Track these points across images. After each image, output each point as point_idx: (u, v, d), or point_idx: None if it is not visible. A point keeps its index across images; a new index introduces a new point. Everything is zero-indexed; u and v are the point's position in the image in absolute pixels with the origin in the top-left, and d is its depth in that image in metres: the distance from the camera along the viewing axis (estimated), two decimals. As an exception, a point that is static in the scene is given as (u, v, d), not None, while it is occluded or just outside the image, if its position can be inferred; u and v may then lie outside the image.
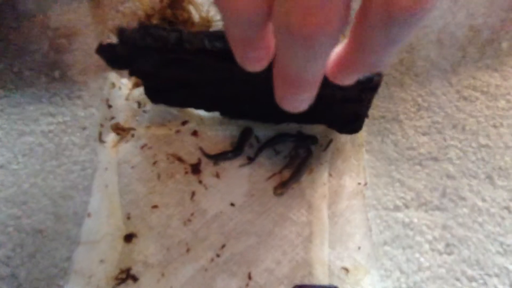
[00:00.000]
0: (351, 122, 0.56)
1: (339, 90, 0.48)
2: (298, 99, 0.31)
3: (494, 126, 0.62)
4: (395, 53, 0.28)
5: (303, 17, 0.24)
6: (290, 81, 0.30)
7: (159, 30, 0.46)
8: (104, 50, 0.47)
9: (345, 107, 0.52)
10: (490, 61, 0.66)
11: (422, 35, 0.67)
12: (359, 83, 0.45)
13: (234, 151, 0.58)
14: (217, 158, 0.58)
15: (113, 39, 0.47)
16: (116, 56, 0.48)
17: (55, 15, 0.64)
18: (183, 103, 0.59)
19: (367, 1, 0.25)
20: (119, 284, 0.51)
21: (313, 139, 0.60)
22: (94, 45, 0.47)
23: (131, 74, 0.54)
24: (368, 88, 0.47)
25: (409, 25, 0.25)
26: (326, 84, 0.47)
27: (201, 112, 0.60)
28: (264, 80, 0.49)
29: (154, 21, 0.49)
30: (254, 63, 0.35)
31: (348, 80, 0.32)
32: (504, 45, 0.67)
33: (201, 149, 0.59)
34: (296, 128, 0.61)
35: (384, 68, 0.31)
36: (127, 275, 0.51)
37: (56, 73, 0.62)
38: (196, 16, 0.54)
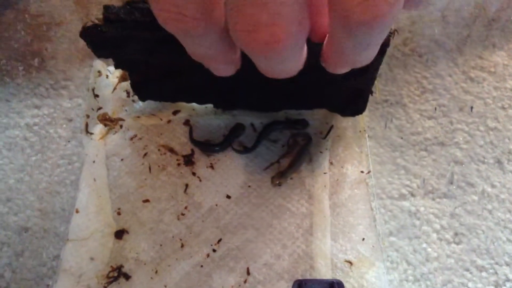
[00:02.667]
0: (354, 101, 0.53)
1: None
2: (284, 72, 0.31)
3: (503, 108, 0.59)
4: (375, 51, 0.28)
5: (248, 34, 0.24)
6: (271, 75, 0.31)
7: (147, 4, 0.43)
8: (89, 33, 0.44)
9: (348, 83, 0.49)
10: (497, 39, 0.63)
11: (425, 13, 0.64)
12: None
13: (221, 145, 0.55)
14: (204, 147, 0.55)
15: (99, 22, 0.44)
16: (102, 39, 0.44)
17: (36, 2, 0.61)
18: (173, 97, 0.56)
19: (329, 14, 0.25)
20: (110, 282, 0.48)
21: (303, 123, 0.57)
22: (78, 32, 0.44)
23: (117, 66, 0.50)
24: None
25: (371, 34, 0.24)
26: None
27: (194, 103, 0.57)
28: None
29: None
30: (224, 71, 0.35)
31: (339, 71, 0.32)
32: (512, 22, 0.64)
33: (190, 132, 0.56)
34: (294, 115, 0.58)
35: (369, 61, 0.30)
36: (118, 273, 0.49)
37: (36, 62, 0.59)
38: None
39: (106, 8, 0.42)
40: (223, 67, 0.33)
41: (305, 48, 0.28)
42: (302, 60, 0.28)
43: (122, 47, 0.46)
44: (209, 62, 0.33)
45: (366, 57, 0.28)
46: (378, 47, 0.27)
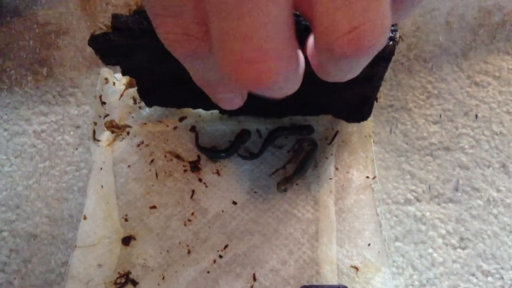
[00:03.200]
0: (359, 108, 0.53)
1: None
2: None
3: (508, 113, 0.59)
4: (360, 70, 0.27)
5: (234, 71, 0.23)
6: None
7: None
8: (97, 41, 0.45)
9: (353, 90, 0.49)
10: (502, 44, 0.63)
11: (429, 18, 0.64)
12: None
13: (227, 151, 0.56)
14: (210, 154, 0.56)
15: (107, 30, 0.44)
16: (110, 47, 0.45)
17: (43, 10, 0.61)
18: (179, 104, 0.56)
19: (314, 43, 0.24)
20: (118, 289, 0.49)
21: (308, 129, 0.57)
22: (86, 39, 0.45)
23: (124, 73, 0.51)
24: (380, 59, 0.43)
25: (355, 64, 0.24)
26: None
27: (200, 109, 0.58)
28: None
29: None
30: (231, 102, 0.34)
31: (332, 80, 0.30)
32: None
33: (196, 138, 0.56)
34: (300, 120, 0.58)
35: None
36: (126, 279, 0.49)
37: (44, 70, 0.60)
38: None
39: (115, 16, 0.43)
40: (230, 96, 0.32)
41: (302, 66, 0.26)
42: (298, 83, 0.27)
43: (130, 55, 0.46)
44: (216, 89, 0.32)
45: (351, 76, 0.27)
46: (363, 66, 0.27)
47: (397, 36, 0.43)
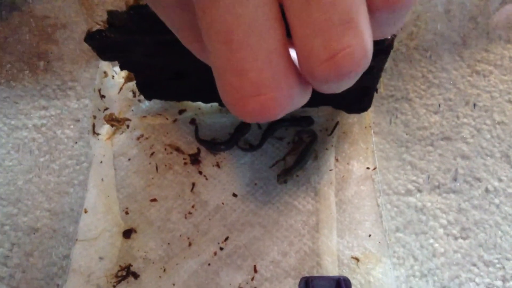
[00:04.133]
0: (360, 99, 0.53)
1: None
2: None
3: (510, 101, 0.58)
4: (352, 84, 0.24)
5: (235, 106, 0.21)
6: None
7: (150, 9, 0.43)
8: (93, 38, 0.44)
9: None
10: (503, 32, 0.62)
11: (429, 7, 0.63)
12: None
13: (226, 143, 0.56)
14: (209, 146, 0.56)
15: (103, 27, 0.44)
16: (107, 43, 0.45)
17: (41, 4, 0.61)
18: (178, 97, 0.56)
19: (299, 66, 0.22)
20: (119, 281, 0.49)
21: (308, 120, 0.57)
22: (84, 33, 0.44)
23: (122, 67, 0.51)
24: (379, 51, 0.43)
25: (338, 86, 0.22)
26: None
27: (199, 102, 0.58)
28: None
29: (143, 1, 0.46)
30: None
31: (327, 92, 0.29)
32: (519, 14, 0.63)
33: (196, 130, 0.56)
34: (299, 112, 0.58)
35: None
36: (127, 272, 0.49)
37: (43, 64, 0.59)
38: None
39: (110, 13, 0.43)
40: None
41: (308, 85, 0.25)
42: (306, 99, 0.25)
43: (127, 51, 0.46)
44: None
45: (344, 89, 0.25)
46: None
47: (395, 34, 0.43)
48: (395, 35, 0.42)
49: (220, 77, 0.22)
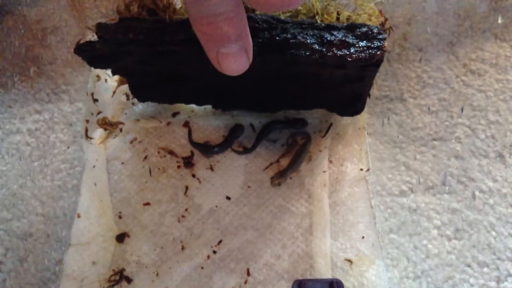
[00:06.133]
0: (353, 104, 0.52)
1: (339, 70, 0.45)
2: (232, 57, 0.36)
3: (504, 101, 0.58)
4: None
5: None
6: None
7: (140, 22, 0.43)
8: (83, 50, 0.44)
9: (346, 88, 0.49)
10: (498, 31, 0.62)
11: (423, 6, 0.63)
12: (360, 60, 0.42)
13: (220, 146, 0.55)
14: (203, 149, 0.56)
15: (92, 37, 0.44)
16: (97, 55, 0.45)
17: (32, 8, 0.61)
18: (172, 99, 0.56)
19: None
20: (112, 286, 0.49)
21: (302, 122, 0.56)
22: (76, 36, 0.44)
23: (114, 73, 0.51)
24: (370, 64, 0.44)
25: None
26: (325, 64, 0.44)
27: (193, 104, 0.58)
28: (258, 66, 0.46)
29: (134, 9, 0.46)
30: (233, 64, 0.38)
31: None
32: (513, 12, 0.62)
33: (189, 132, 0.56)
34: (293, 114, 0.58)
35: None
36: (120, 276, 0.50)
37: (36, 68, 0.59)
38: (177, 2, 0.50)
39: (99, 26, 0.43)
40: (234, 48, 0.36)
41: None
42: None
43: (117, 61, 0.46)
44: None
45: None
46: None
47: (385, 44, 0.43)
48: (384, 51, 0.42)
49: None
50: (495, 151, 0.55)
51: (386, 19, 0.48)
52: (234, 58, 0.36)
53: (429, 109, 0.58)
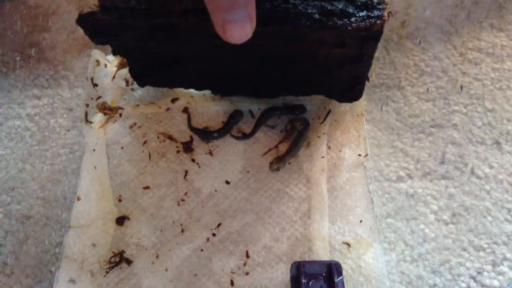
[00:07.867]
0: (351, 88, 0.53)
1: (338, 49, 0.45)
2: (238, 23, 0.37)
3: (501, 89, 0.58)
4: None
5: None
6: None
7: None
8: (85, 20, 0.45)
9: (344, 71, 0.49)
10: (495, 20, 0.63)
11: (422, -4, 0.63)
12: (360, 28, 0.42)
13: (219, 132, 0.56)
14: (202, 134, 0.56)
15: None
16: (98, 26, 0.45)
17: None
18: (171, 83, 0.56)
19: None
20: (112, 267, 0.49)
21: (300, 108, 0.57)
22: (75, 21, 0.45)
23: (115, 52, 0.51)
24: (369, 38, 0.44)
25: None
26: (323, 42, 0.44)
27: (192, 89, 0.58)
28: (257, 48, 0.46)
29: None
30: (238, 31, 0.37)
31: None
32: (510, 3, 0.63)
33: (188, 119, 0.56)
34: (292, 100, 0.58)
35: None
36: (120, 258, 0.50)
37: (36, 53, 0.60)
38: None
39: None
40: (240, 15, 0.36)
41: None
42: None
43: (119, 34, 0.46)
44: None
45: None
46: None
47: (385, 14, 0.43)
48: (384, 20, 0.42)
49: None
50: (491, 138, 0.56)
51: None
52: (240, 24, 0.36)
53: (426, 96, 0.59)
